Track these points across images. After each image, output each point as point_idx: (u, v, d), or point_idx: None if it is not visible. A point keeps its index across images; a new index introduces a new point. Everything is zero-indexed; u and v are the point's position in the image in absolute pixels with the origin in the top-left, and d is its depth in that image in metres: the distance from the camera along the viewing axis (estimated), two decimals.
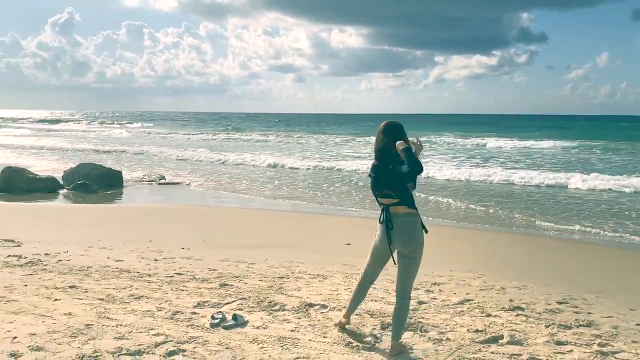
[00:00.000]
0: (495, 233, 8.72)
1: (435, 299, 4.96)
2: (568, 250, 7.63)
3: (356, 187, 14.27)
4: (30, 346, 3.69)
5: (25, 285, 5.17)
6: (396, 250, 3.70)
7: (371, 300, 4.84)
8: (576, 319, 4.43)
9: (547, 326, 4.26)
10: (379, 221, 3.75)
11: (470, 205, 11.07)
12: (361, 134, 41.86)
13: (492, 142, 32.19)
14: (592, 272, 6.33)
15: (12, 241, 7.27)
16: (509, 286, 5.49)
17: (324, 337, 3.97)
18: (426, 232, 3.68)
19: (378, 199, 3.73)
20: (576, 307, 4.82)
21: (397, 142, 3.56)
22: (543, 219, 9.58)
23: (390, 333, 3.81)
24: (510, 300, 4.93)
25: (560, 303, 4.90)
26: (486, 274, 5.98)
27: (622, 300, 5.12)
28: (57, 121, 75.15)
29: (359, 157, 23.37)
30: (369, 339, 3.93)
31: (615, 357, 3.67)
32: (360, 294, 4.01)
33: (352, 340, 3.90)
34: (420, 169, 3.43)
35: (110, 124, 67.76)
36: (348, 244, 7.59)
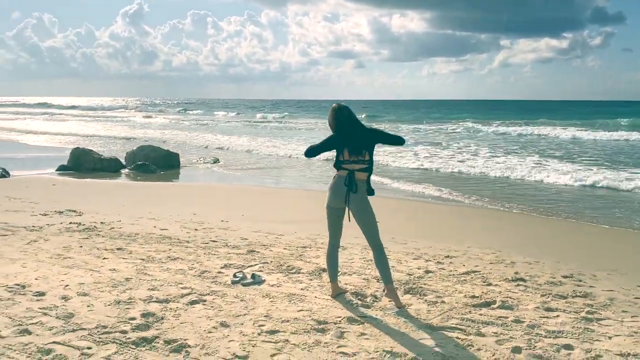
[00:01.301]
0: (526, 215, 8.77)
1: (443, 269, 5.26)
2: (597, 233, 7.61)
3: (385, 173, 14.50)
4: (78, 292, 4.36)
5: (81, 247, 5.92)
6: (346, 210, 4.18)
7: None
8: (574, 291, 4.61)
9: (542, 295, 4.48)
10: (332, 186, 4.16)
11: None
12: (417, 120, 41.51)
13: (580, 134, 26.52)
14: (612, 252, 6.36)
15: (74, 211, 8.17)
16: (521, 261, 5.69)
17: (327, 294, 4.40)
18: (372, 194, 4.20)
19: (345, 164, 4.09)
20: (580, 281, 4.97)
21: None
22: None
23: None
24: (516, 273, 5.15)
25: (565, 277, 5.07)
26: (502, 250, 6.17)
27: (634, 277, 5.20)
28: (123, 107, 78.92)
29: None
30: (368, 298, 4.32)
31: (598, 323, 3.87)
32: (334, 260, 4.36)
33: (353, 299, 4.31)
34: (403, 141, 4.22)
35: (180, 110, 70.09)
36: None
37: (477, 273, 5.13)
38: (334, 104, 4.32)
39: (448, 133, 29.92)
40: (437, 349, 3.39)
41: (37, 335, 3.50)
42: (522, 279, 4.94)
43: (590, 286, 4.81)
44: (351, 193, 4.08)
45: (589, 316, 3.98)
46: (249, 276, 4.82)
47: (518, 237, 7.13)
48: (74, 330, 3.57)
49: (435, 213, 9.17)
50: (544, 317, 3.95)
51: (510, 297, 4.39)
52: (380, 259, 4.15)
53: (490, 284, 4.77)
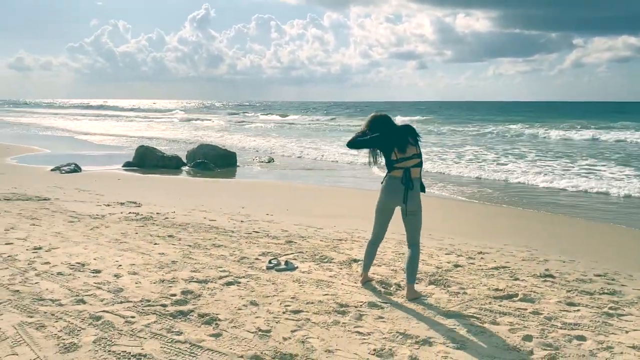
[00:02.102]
0: (570, 219, 8.59)
1: (473, 264, 5.35)
2: None
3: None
4: (128, 271, 4.84)
5: (136, 233, 6.47)
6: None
7: None
8: (602, 288, 4.60)
9: (568, 291, 4.50)
10: (383, 182, 4.32)
11: None
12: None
13: None
14: None
15: (134, 202, 8.84)
16: (554, 259, 5.67)
17: (355, 282, 4.64)
18: (424, 191, 4.30)
19: (399, 163, 4.25)
20: (613, 280, 4.93)
21: None
22: None
23: (415, 285, 4.38)
24: (546, 270, 5.17)
25: (598, 275, 5.04)
26: (539, 249, 6.16)
27: None
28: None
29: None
30: (392, 287, 4.53)
31: (619, 318, 3.88)
32: (372, 253, 4.56)
33: (377, 286, 4.53)
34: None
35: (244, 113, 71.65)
36: None
37: (506, 269, 5.19)
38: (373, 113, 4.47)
39: (506, 136, 29.05)
40: (449, 334, 3.56)
41: (90, 304, 3.96)
42: (551, 275, 4.96)
43: (622, 285, 4.77)
44: (409, 191, 4.21)
45: (611, 312, 3.99)
46: (282, 263, 5.14)
47: (557, 238, 7.05)
48: (121, 302, 4.02)
49: (473, 212, 9.15)
50: (564, 311, 4.01)
51: (534, 292, 4.45)
52: (413, 257, 4.27)
53: (517, 279, 4.84)
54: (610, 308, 4.07)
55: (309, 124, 44.74)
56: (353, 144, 4.44)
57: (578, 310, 4.03)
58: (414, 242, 4.29)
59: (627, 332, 3.61)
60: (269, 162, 17.79)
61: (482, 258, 5.62)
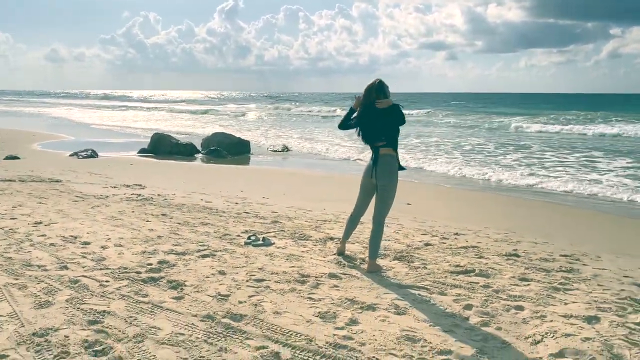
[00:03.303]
0: (557, 205, 8.64)
1: (444, 243, 5.54)
2: (630, 225, 7.41)
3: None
4: (115, 243, 5.20)
5: (132, 212, 6.85)
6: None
7: (385, 239, 5.60)
8: (561, 266, 4.74)
9: (527, 268, 4.67)
10: (368, 164, 4.55)
11: None
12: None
13: None
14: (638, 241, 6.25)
15: (140, 185, 9.26)
16: (528, 241, 5.81)
17: (324, 257, 4.90)
18: (402, 169, 4.45)
19: (373, 143, 4.49)
20: (578, 260, 5.05)
21: (386, 100, 4.34)
22: None
23: (380, 260, 4.62)
24: (514, 250, 5.32)
25: (564, 256, 5.16)
26: (517, 232, 6.29)
27: None
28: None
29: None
30: (357, 261, 4.76)
31: (565, 292, 4.04)
32: (352, 224, 4.84)
33: (343, 260, 4.77)
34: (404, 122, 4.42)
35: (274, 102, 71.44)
36: (408, 204, 8.24)
37: (475, 248, 5.36)
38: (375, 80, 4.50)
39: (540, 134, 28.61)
40: (395, 301, 3.78)
41: (72, 270, 4.33)
42: (516, 255, 5.11)
43: (584, 264, 4.89)
44: (376, 167, 4.45)
45: (559, 287, 4.15)
46: (260, 239, 5.42)
47: (539, 222, 7.14)
48: (100, 269, 4.37)
49: (467, 199, 9.26)
50: (514, 285, 4.18)
51: (493, 268, 4.63)
52: (375, 235, 4.50)
53: (482, 257, 5.01)
54: (560, 284, 4.23)
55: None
56: (340, 126, 4.72)
57: (528, 284, 4.20)
58: (377, 219, 4.51)
59: (566, 304, 3.78)
60: (282, 150, 18.06)
61: (455, 238, 5.80)
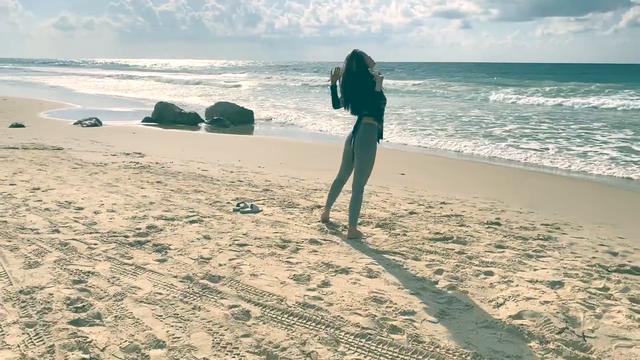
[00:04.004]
0: (553, 176, 8.67)
1: (429, 212, 5.65)
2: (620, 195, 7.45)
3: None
4: (108, 209, 5.37)
5: (129, 179, 7.01)
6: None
7: (371, 207, 5.73)
8: (539, 234, 4.84)
9: (505, 236, 4.77)
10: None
11: None
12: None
13: None
14: (626, 211, 6.30)
15: (139, 153, 9.41)
16: (513, 210, 5.90)
17: (308, 224, 5.04)
18: (381, 138, 4.52)
19: (359, 112, 4.56)
20: (558, 229, 5.14)
21: (378, 75, 4.38)
22: None
23: (363, 227, 4.75)
24: (497, 218, 5.42)
25: (545, 225, 5.26)
26: (504, 202, 6.38)
27: (622, 231, 5.24)
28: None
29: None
30: (340, 228, 4.90)
31: (537, 259, 4.15)
32: (335, 191, 4.96)
33: (325, 227, 4.91)
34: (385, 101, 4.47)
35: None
36: (402, 174, 8.33)
37: (458, 217, 5.47)
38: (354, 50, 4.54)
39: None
40: (369, 266, 3.92)
41: (63, 234, 4.50)
42: (497, 223, 5.22)
43: (563, 233, 4.99)
44: (355, 134, 4.55)
45: (533, 254, 4.26)
46: (249, 206, 5.56)
47: (530, 192, 7.21)
48: (90, 233, 4.54)
49: (462, 170, 9.32)
50: (488, 252, 4.30)
51: (471, 236, 4.74)
52: (354, 202, 4.61)
53: (463, 225, 5.12)
54: (534, 251, 4.34)
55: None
56: (334, 106, 4.81)
57: (503, 251, 4.31)
58: (355, 187, 4.61)
59: (535, 270, 3.89)
60: (285, 121, 18.10)
61: (441, 207, 5.90)
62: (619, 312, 3.14)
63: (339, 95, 4.68)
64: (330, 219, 5.13)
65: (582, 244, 4.62)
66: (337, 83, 4.66)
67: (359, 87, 4.48)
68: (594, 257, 4.22)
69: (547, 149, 11.30)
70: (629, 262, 4.16)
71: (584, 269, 3.92)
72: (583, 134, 14.03)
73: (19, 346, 2.66)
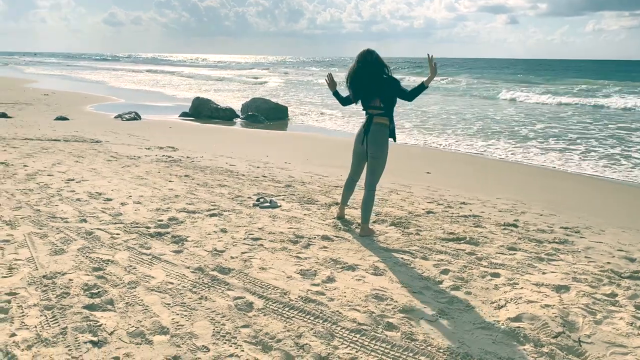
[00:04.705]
0: (577, 176, 8.44)
1: (447, 212, 5.64)
2: None
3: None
4: (134, 201, 5.62)
5: (158, 172, 7.28)
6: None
7: (389, 206, 5.77)
8: (555, 238, 4.77)
9: (519, 238, 4.73)
10: (359, 130, 4.71)
11: None
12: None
13: None
14: None
15: (172, 147, 9.72)
16: (534, 212, 5.82)
17: (323, 220, 5.13)
18: (394, 140, 4.56)
19: (367, 106, 4.62)
20: (577, 232, 5.05)
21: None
22: None
23: (377, 225, 4.82)
24: (515, 220, 5.36)
25: (564, 228, 5.17)
26: (527, 203, 6.29)
27: None
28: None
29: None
30: (353, 225, 4.97)
31: (548, 262, 4.11)
32: (349, 190, 5.03)
33: (340, 224, 4.99)
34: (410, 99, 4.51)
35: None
36: (428, 173, 8.31)
37: (476, 217, 5.45)
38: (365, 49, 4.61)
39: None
40: (376, 264, 3.99)
41: (90, 223, 4.76)
42: (514, 225, 5.17)
43: (581, 237, 4.90)
44: (367, 135, 4.61)
45: (545, 257, 4.22)
46: (268, 201, 5.70)
47: (554, 194, 7.07)
48: (115, 223, 4.78)
49: (489, 170, 9.19)
50: (499, 254, 4.29)
51: (486, 237, 4.72)
52: (366, 200, 4.67)
53: (479, 226, 5.10)
54: (546, 254, 4.30)
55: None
56: (343, 104, 4.92)
57: (514, 254, 4.29)
58: (369, 185, 4.67)
59: (544, 273, 3.87)
60: (321, 114, 18.20)
61: (460, 207, 5.89)
62: (621, 318, 3.10)
63: (345, 94, 4.75)
64: (346, 216, 5.20)
65: (600, 249, 4.54)
66: (342, 85, 4.70)
67: (374, 80, 4.48)
68: (608, 263, 4.15)
69: (578, 149, 11.00)
70: None
71: (595, 274, 3.86)
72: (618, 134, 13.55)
73: (35, 327, 2.87)
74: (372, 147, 4.56)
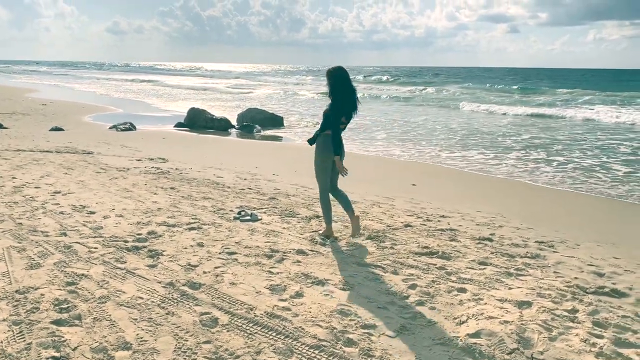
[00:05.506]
0: (557, 190, 8.50)
1: (424, 225, 5.71)
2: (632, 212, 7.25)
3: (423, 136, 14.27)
4: (117, 214, 5.70)
5: (145, 184, 7.37)
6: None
7: (368, 219, 5.84)
8: (528, 252, 4.83)
9: (492, 253, 4.79)
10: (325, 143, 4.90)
11: None
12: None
13: None
14: (632, 228, 6.17)
15: (163, 159, 9.82)
16: (512, 226, 5.88)
17: (301, 234, 5.20)
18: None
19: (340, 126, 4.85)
20: (551, 247, 5.11)
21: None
22: None
23: (354, 239, 4.94)
24: (491, 234, 5.43)
25: (538, 242, 5.23)
26: (506, 217, 6.35)
27: (619, 251, 5.16)
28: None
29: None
30: (330, 239, 5.04)
31: (516, 278, 4.17)
32: (330, 203, 5.12)
33: (317, 238, 5.05)
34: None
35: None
36: (413, 185, 8.38)
37: (453, 231, 5.51)
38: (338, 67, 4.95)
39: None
40: (347, 278, 4.05)
41: (69, 237, 4.84)
42: (489, 239, 5.23)
43: (554, 251, 4.96)
44: (342, 148, 5.08)
45: (513, 272, 4.28)
46: (249, 214, 5.78)
47: (534, 207, 7.12)
48: (94, 237, 4.86)
49: (475, 183, 9.25)
50: (470, 268, 4.35)
51: (459, 251, 4.78)
52: (346, 198, 5.16)
53: (454, 240, 5.16)
54: (516, 269, 4.35)
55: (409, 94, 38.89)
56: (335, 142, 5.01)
57: (484, 269, 4.35)
58: (336, 187, 5.17)
59: (510, 289, 3.92)
60: (316, 124, 18.32)
61: (439, 221, 5.95)
62: (576, 335, 3.16)
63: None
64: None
65: (570, 263, 4.60)
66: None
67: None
68: (576, 278, 4.21)
69: (558, 161, 11.07)
70: (613, 284, 4.12)
71: (560, 289, 3.92)
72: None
73: (2, 342, 2.94)
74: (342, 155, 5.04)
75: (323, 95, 35.14)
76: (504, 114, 23.57)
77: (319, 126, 5.02)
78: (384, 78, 62.37)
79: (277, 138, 15.25)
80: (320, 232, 5.20)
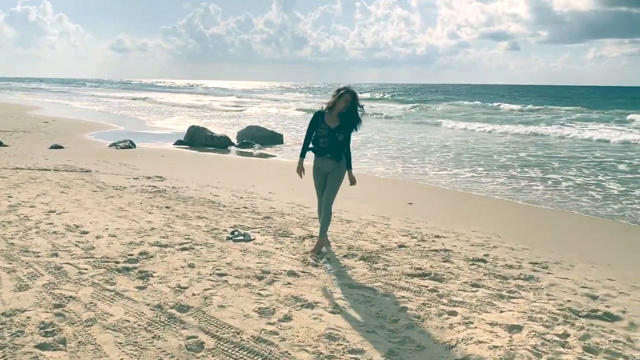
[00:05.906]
0: (554, 210, 8.47)
1: (419, 245, 5.67)
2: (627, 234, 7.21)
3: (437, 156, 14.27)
4: (110, 234, 5.69)
5: (140, 203, 7.36)
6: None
7: (362, 239, 5.82)
8: (521, 274, 4.79)
9: (485, 274, 4.76)
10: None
11: None
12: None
13: None
14: (628, 250, 6.12)
15: (160, 177, 9.82)
16: (506, 246, 5.84)
17: (292, 254, 5.18)
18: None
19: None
20: (545, 268, 5.07)
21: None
22: None
23: (346, 260, 4.94)
24: (485, 255, 5.39)
25: (532, 263, 5.19)
26: (501, 237, 6.31)
27: (614, 272, 5.11)
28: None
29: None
30: (323, 259, 5.01)
31: (508, 300, 4.13)
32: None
33: (309, 258, 5.02)
34: None
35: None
36: (410, 204, 8.36)
37: (447, 252, 5.47)
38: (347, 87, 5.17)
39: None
40: (337, 301, 4.02)
41: (60, 257, 4.82)
42: (482, 260, 5.19)
43: (548, 273, 4.92)
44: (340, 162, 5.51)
45: (505, 294, 4.24)
46: (242, 234, 5.76)
47: (531, 227, 7.08)
48: (85, 257, 4.84)
49: (472, 203, 9.22)
50: (461, 291, 4.31)
51: (452, 273, 4.75)
52: (327, 218, 5.24)
53: (447, 261, 5.13)
54: (508, 291, 4.32)
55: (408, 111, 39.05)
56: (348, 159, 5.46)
57: (476, 291, 4.31)
58: (328, 204, 5.29)
59: (501, 312, 3.88)
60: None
61: (433, 241, 5.92)
62: None
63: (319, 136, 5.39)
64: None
65: (564, 285, 4.56)
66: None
67: (352, 121, 5.14)
68: (568, 300, 4.16)
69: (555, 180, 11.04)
70: (606, 307, 4.08)
71: (552, 312, 3.88)
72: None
73: None
74: (339, 174, 5.44)
75: None
76: (505, 132, 23.58)
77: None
78: (379, 95, 62.82)
79: (275, 156, 15.28)
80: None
